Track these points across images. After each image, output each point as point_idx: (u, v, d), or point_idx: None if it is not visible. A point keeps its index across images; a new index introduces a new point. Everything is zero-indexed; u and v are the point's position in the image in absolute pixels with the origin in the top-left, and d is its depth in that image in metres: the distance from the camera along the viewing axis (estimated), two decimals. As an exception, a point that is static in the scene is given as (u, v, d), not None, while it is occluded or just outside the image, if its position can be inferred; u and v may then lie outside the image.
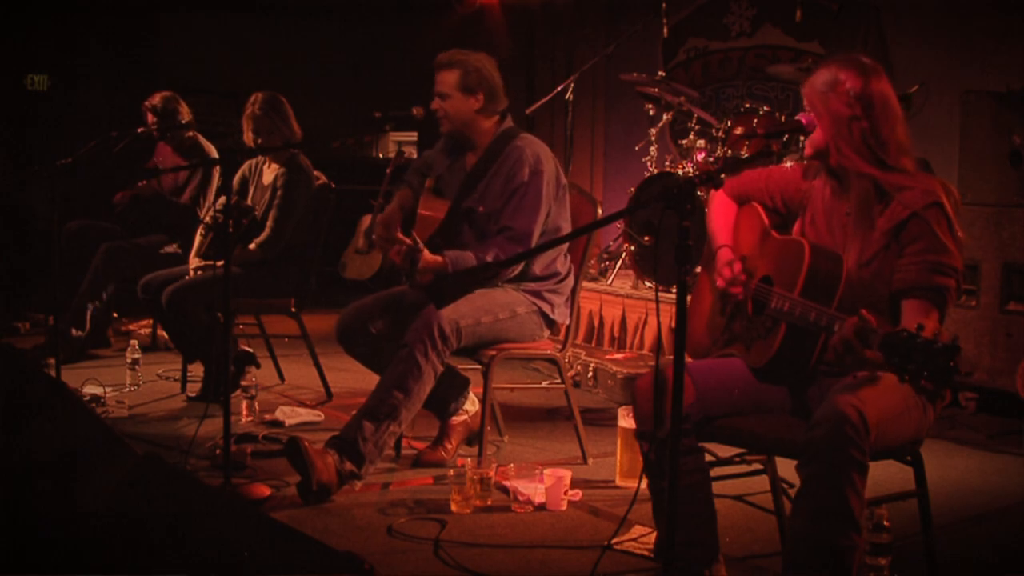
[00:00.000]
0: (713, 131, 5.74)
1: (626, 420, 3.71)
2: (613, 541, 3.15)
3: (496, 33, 8.43)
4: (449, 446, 4.03)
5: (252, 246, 4.79)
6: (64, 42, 7.88)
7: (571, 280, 3.98)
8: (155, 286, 4.77)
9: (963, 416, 4.75)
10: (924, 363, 2.16)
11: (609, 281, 6.04)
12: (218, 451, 3.79)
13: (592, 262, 6.24)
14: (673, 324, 2.28)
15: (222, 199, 4.94)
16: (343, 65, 8.83)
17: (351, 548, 2.76)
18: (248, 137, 4.84)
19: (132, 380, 5.04)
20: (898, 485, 3.02)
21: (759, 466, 3.13)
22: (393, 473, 3.88)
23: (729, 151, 5.50)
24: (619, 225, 6.07)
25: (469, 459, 3.69)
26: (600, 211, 4.10)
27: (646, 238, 5.62)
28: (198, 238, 4.91)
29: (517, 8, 8.42)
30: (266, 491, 3.54)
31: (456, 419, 4.06)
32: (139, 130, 5.56)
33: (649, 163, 6.10)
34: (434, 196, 3.93)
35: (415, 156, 7.63)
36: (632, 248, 5.77)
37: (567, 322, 4.05)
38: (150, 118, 5.65)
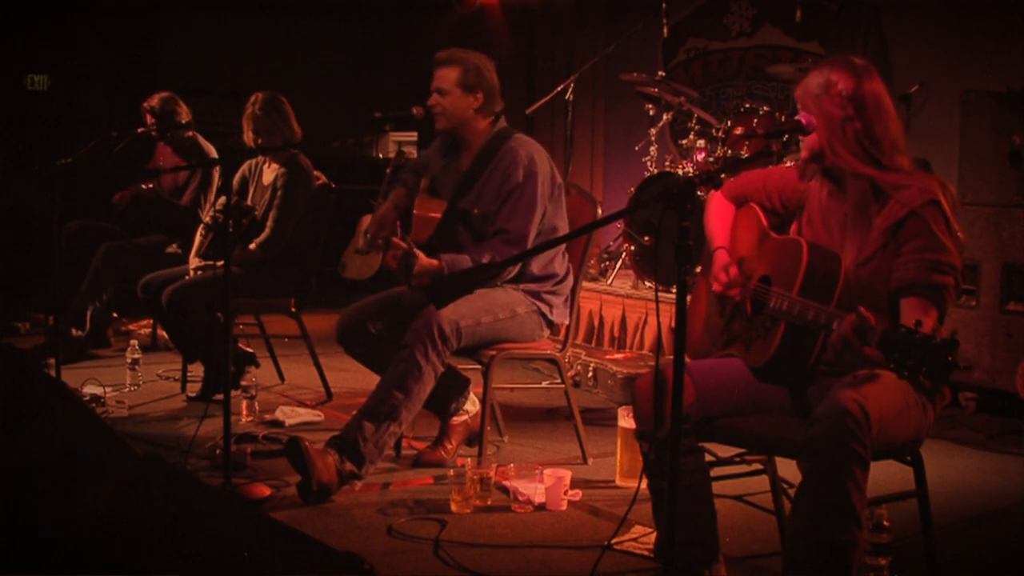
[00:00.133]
0: (713, 131, 5.74)
1: (626, 420, 3.71)
2: (613, 541, 3.15)
3: (496, 33, 8.43)
4: (449, 446, 4.03)
5: (252, 246, 4.79)
6: (64, 42, 7.88)
7: (570, 281, 3.98)
8: (155, 286, 4.77)
9: (963, 416, 4.76)
10: (923, 358, 2.16)
11: (609, 281, 6.04)
12: (218, 451, 3.79)
13: (592, 262, 6.24)
14: (673, 324, 2.28)
15: (222, 199, 4.95)
16: (343, 65, 8.83)
17: (351, 548, 2.76)
18: (248, 137, 4.84)
19: (132, 380, 5.04)
20: (898, 485, 3.02)
21: (759, 466, 3.13)
22: (393, 473, 3.88)
23: (729, 151, 5.50)
24: (619, 225, 6.08)
25: (469, 459, 3.69)
26: (600, 211, 4.10)
27: (646, 238, 5.62)
28: (198, 238, 4.91)
29: (517, 8, 8.43)
30: (266, 491, 3.54)
31: (456, 419, 4.06)
32: (139, 130, 5.56)
33: (649, 163, 6.10)
34: (430, 196, 3.93)
35: (415, 156, 7.65)
36: (632, 248, 5.77)
37: (567, 322, 4.05)
38: (149, 119, 5.65)
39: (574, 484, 3.62)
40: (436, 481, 3.81)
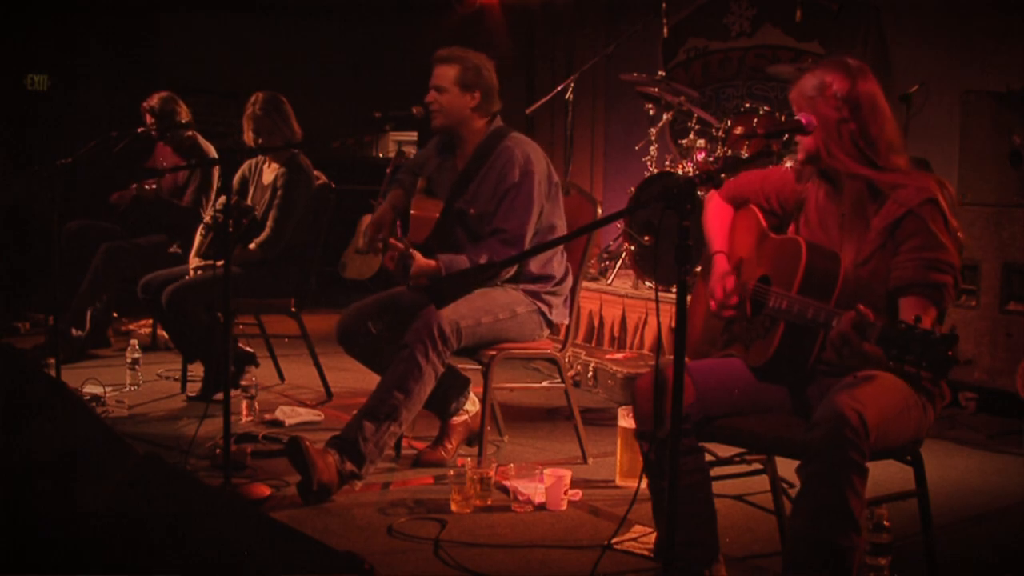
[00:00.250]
0: (713, 131, 5.74)
1: (626, 420, 3.71)
2: (613, 541, 3.15)
3: (496, 33, 8.43)
4: (449, 446, 4.03)
5: (252, 246, 4.79)
6: (64, 42, 7.88)
7: (569, 281, 3.98)
8: (155, 286, 4.77)
9: (963, 416, 4.75)
10: (922, 353, 2.16)
11: (609, 281, 6.04)
12: (218, 451, 3.79)
13: (592, 262, 6.24)
14: (673, 324, 2.28)
15: (222, 199, 4.95)
16: (343, 65, 8.83)
17: (351, 548, 2.76)
18: (248, 137, 4.84)
19: (132, 380, 5.04)
20: (898, 485, 3.02)
21: (759, 466, 3.13)
22: (393, 473, 3.88)
23: (729, 151, 5.50)
24: (619, 225, 6.07)
25: (469, 459, 3.69)
26: (600, 211, 4.10)
27: (646, 238, 5.62)
28: (198, 238, 4.91)
29: (517, 8, 8.43)
30: (266, 491, 3.54)
31: (456, 419, 4.06)
32: (139, 130, 5.56)
33: (649, 163, 6.10)
34: (426, 197, 3.93)
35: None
36: (632, 248, 5.77)
37: (566, 322, 4.05)
38: (149, 119, 5.65)
39: (574, 484, 3.62)
40: (436, 481, 3.81)
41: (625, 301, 5.80)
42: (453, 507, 3.47)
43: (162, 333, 5.71)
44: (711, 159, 5.64)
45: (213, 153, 5.77)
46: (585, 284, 5.32)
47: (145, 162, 5.88)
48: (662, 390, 2.63)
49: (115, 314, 6.08)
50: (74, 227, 5.82)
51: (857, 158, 2.67)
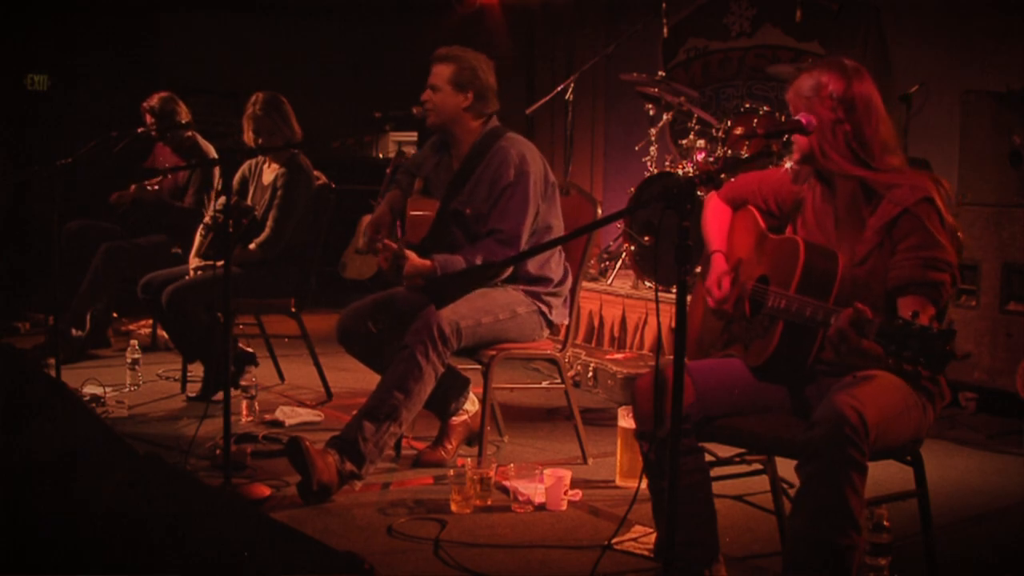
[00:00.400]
0: (713, 131, 5.74)
1: (626, 420, 3.71)
2: (613, 541, 3.15)
3: (496, 33, 8.43)
4: (449, 446, 4.03)
5: (252, 246, 4.79)
6: (64, 42, 7.88)
7: (568, 282, 3.98)
8: (155, 286, 4.77)
9: (963, 416, 4.76)
10: (920, 349, 2.16)
11: (609, 281, 6.04)
12: (218, 451, 3.79)
13: (592, 262, 6.24)
14: (673, 324, 2.28)
15: (222, 199, 4.95)
16: (343, 65, 8.83)
17: (351, 548, 2.76)
18: (248, 137, 4.84)
19: (132, 380, 5.04)
20: (898, 485, 3.02)
21: (759, 466, 3.13)
22: (393, 473, 3.88)
23: (729, 151, 5.50)
24: (619, 225, 6.07)
25: (469, 459, 3.69)
26: (600, 211, 4.10)
27: (646, 238, 5.62)
28: (198, 238, 4.91)
29: (517, 8, 8.43)
30: (266, 491, 3.54)
31: (456, 419, 4.06)
32: (139, 130, 5.56)
33: (649, 163, 6.10)
34: (423, 197, 3.93)
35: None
36: (632, 248, 5.77)
37: (566, 322, 4.05)
38: (149, 119, 5.65)
39: (574, 484, 3.62)
40: (436, 481, 3.81)
41: (625, 301, 5.80)
42: (453, 507, 3.47)
43: (162, 333, 5.71)
44: (711, 159, 5.64)
45: (213, 153, 5.77)
46: (585, 284, 5.32)
47: (145, 162, 5.88)
48: (662, 390, 2.63)
49: (115, 314, 6.08)
50: (74, 227, 5.82)
51: (850, 159, 2.68)
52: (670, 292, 4.67)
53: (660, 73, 6.06)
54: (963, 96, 5.04)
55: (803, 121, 2.70)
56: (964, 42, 5.71)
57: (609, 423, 4.34)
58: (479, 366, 3.87)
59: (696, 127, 5.91)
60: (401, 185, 4.05)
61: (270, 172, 4.91)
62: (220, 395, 3.79)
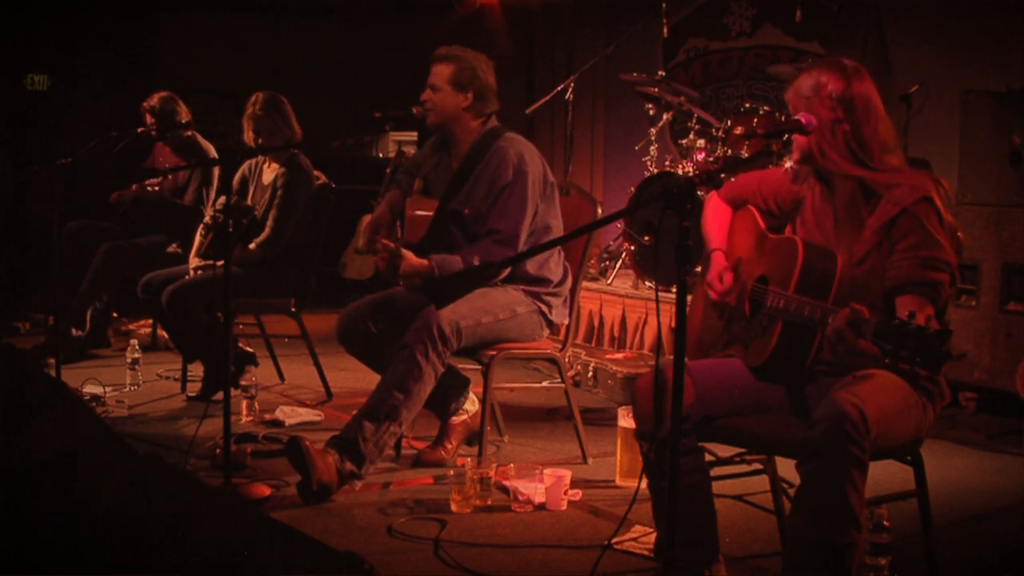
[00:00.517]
0: (713, 131, 5.74)
1: (626, 420, 3.71)
2: (613, 541, 3.15)
3: (496, 33, 8.43)
4: (449, 446, 4.03)
5: (252, 246, 4.79)
6: (64, 42, 7.88)
7: (568, 283, 3.98)
8: (155, 286, 4.77)
9: (963, 416, 4.76)
10: (917, 349, 2.17)
11: (609, 281, 6.04)
12: (218, 451, 3.79)
13: (592, 262, 6.24)
14: (673, 324, 2.28)
15: (222, 199, 4.95)
16: (343, 65, 8.83)
17: (351, 548, 2.76)
18: (248, 137, 4.84)
19: (132, 380, 5.04)
20: (898, 485, 3.03)
21: (759, 466, 3.13)
22: (393, 473, 3.88)
23: (729, 151, 5.50)
24: (619, 225, 6.07)
25: (469, 459, 3.69)
26: (600, 211, 4.10)
27: (646, 238, 5.62)
28: (198, 238, 4.91)
29: (517, 8, 8.43)
30: (266, 491, 3.54)
31: (456, 419, 4.06)
32: (139, 130, 5.56)
33: (649, 163, 6.10)
34: (422, 197, 3.93)
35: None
36: (632, 248, 5.77)
37: (566, 322, 4.05)
38: (149, 119, 5.65)
39: (574, 484, 3.62)
40: (436, 481, 3.81)
41: (625, 301, 5.80)
42: (453, 507, 3.47)
43: (162, 333, 5.71)
44: (711, 159, 5.64)
45: (213, 153, 5.78)
46: (585, 284, 5.31)
47: (145, 162, 5.88)
48: (662, 390, 2.63)
49: (115, 314, 6.08)
50: (74, 227, 5.82)
51: (849, 159, 2.68)
52: (670, 292, 4.67)
53: (660, 73, 6.06)
54: (963, 96, 5.04)
55: (803, 121, 2.70)
56: (964, 42, 5.71)
57: (609, 423, 4.34)
58: (479, 366, 3.87)
59: (696, 127, 5.91)
60: (401, 185, 4.05)
61: (270, 172, 4.91)
62: (220, 395, 3.79)
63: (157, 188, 5.45)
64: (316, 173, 4.98)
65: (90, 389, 4.72)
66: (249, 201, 4.89)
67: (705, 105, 6.47)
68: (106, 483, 2.41)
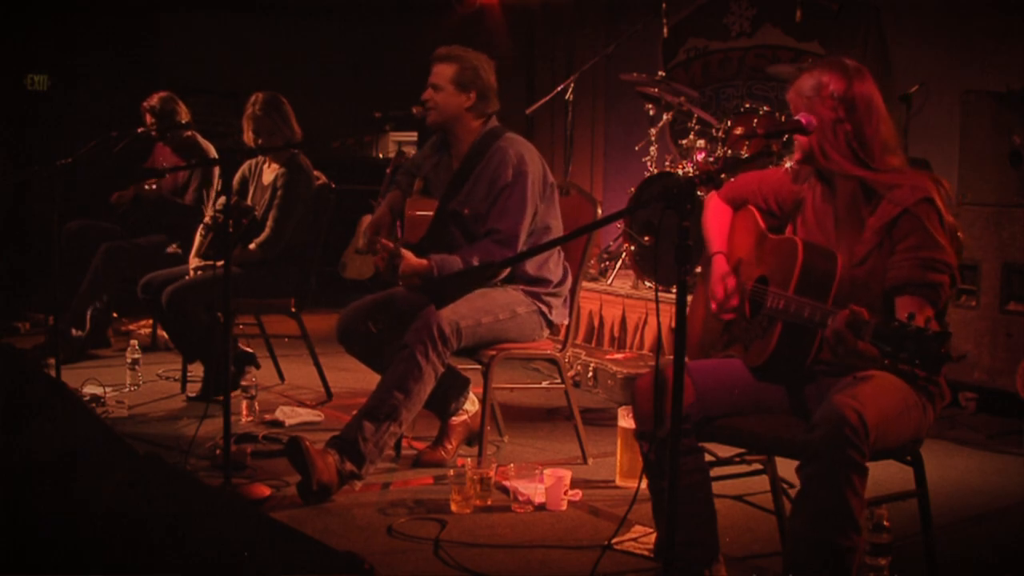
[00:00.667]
0: (713, 131, 5.74)
1: (626, 420, 3.71)
2: (613, 541, 3.15)
3: (496, 33, 8.43)
4: (449, 446, 4.03)
5: (252, 246, 4.79)
6: (64, 42, 7.88)
7: (568, 283, 3.98)
8: (155, 286, 4.77)
9: (963, 416, 4.76)
10: (916, 351, 2.17)
11: (609, 281, 6.04)
12: (218, 451, 3.79)
13: (592, 262, 6.24)
14: (673, 324, 2.28)
15: (222, 199, 4.95)
16: (343, 65, 8.83)
17: (351, 548, 2.76)
18: (248, 137, 4.84)
19: (132, 380, 5.04)
20: (898, 485, 3.02)
21: (759, 466, 3.13)
22: (393, 473, 3.88)
23: (729, 151, 5.50)
24: (619, 225, 6.07)
25: (469, 459, 3.69)
26: (600, 211, 4.10)
27: (646, 238, 5.62)
28: (198, 238, 4.92)
29: (517, 8, 8.43)
30: (266, 491, 3.54)
31: (456, 419, 4.06)
32: (139, 130, 5.56)
33: (649, 163, 6.10)
34: (422, 197, 3.93)
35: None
36: (632, 248, 5.77)
37: (566, 322, 4.05)
38: (149, 119, 5.66)
39: (574, 484, 3.62)
40: (436, 481, 3.81)
41: (625, 301, 5.80)
42: (453, 507, 3.47)
43: (162, 333, 5.71)
44: (711, 159, 5.64)
45: (213, 153, 5.78)
46: (585, 284, 5.32)
47: (145, 162, 5.88)
48: (662, 390, 2.63)
49: (115, 314, 6.08)
50: (74, 227, 5.82)
51: (851, 159, 2.68)
52: (670, 292, 4.67)
53: (660, 73, 6.06)
54: (963, 96, 5.04)
55: (803, 121, 2.70)
56: (964, 42, 5.71)
57: (609, 423, 4.34)
58: (479, 366, 3.87)
59: (696, 127, 5.91)
60: (401, 185, 4.05)
61: (270, 172, 4.91)
62: (220, 395, 3.79)
63: (155, 187, 5.45)
64: (316, 173, 4.98)
65: (90, 389, 4.72)
66: (249, 201, 4.89)
67: (705, 105, 6.47)
68: (106, 483, 2.41)
